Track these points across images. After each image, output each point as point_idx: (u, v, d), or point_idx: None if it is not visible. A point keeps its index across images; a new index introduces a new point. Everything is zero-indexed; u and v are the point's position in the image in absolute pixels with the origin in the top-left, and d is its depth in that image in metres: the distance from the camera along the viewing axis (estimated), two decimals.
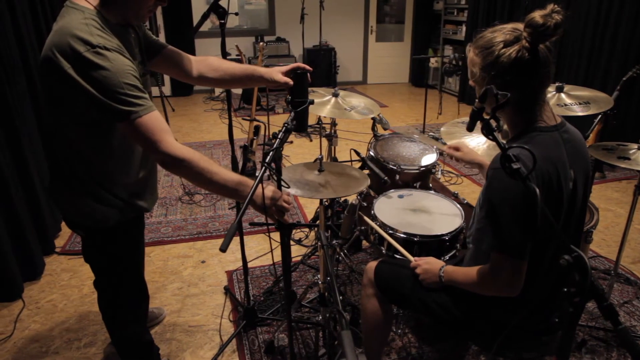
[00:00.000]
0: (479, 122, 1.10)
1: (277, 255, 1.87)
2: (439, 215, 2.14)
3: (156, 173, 1.76)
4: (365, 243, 3.02)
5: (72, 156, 1.48)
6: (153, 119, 1.35)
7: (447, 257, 2.00)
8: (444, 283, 1.54)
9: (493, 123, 1.06)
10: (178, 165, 1.36)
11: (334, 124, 2.81)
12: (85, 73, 1.27)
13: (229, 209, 3.70)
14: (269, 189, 1.35)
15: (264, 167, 1.27)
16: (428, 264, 1.62)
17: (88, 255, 1.69)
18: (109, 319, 1.84)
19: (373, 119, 2.68)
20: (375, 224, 2.08)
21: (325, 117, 2.52)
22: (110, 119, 1.33)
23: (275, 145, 1.31)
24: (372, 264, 1.78)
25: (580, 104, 2.21)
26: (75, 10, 1.34)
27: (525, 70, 1.28)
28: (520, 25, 1.29)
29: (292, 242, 3.13)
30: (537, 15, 1.21)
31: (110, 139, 1.46)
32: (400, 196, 2.32)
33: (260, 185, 1.22)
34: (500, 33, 1.31)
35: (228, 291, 2.65)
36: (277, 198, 1.37)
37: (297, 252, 3.05)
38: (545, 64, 1.29)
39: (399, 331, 2.29)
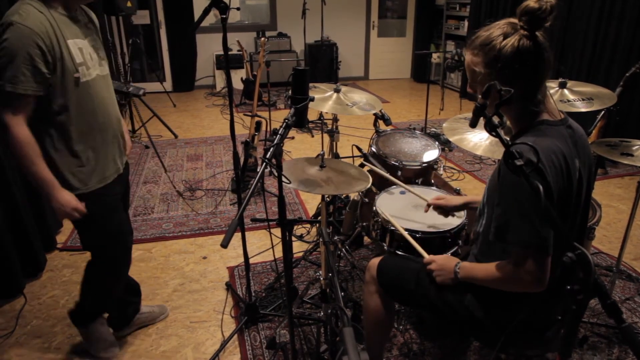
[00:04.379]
0: (481, 118, 1.09)
1: (279, 251, 1.87)
2: None
3: (114, 142, 1.89)
4: (367, 239, 3.02)
5: (40, 129, 1.67)
6: (16, 97, 1.55)
7: (448, 254, 1.99)
8: (459, 279, 1.51)
9: (496, 119, 1.05)
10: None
11: (335, 119, 2.81)
12: None
13: (230, 204, 3.70)
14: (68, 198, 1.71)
15: (264, 163, 1.27)
16: (443, 260, 1.60)
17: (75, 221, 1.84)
18: (91, 275, 2.06)
19: (375, 114, 2.67)
20: (385, 217, 2.07)
21: (327, 112, 2.51)
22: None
23: (275, 141, 1.30)
24: (375, 261, 1.77)
25: (583, 99, 2.20)
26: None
27: (530, 57, 1.29)
28: (513, 19, 1.32)
29: (293, 238, 3.12)
30: (531, 1, 1.25)
31: (51, 112, 1.65)
32: (402, 192, 2.31)
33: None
34: (495, 28, 1.34)
35: (229, 287, 2.65)
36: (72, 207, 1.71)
37: (298, 248, 3.04)
38: (546, 49, 1.31)
39: (401, 327, 2.29)
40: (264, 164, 1.27)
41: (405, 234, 1.91)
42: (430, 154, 2.59)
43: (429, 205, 1.93)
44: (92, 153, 1.79)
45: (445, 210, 1.91)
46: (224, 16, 1.93)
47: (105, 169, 1.86)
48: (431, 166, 2.56)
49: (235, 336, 2.28)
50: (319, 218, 3.14)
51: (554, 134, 1.32)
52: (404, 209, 2.16)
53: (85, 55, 1.70)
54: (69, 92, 1.65)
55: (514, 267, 1.32)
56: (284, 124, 1.37)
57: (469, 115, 1.12)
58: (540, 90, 1.35)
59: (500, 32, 1.32)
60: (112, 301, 2.17)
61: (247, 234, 2.40)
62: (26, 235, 2.66)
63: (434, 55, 8.10)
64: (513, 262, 1.32)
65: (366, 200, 2.51)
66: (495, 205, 1.37)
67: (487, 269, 1.42)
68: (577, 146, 1.36)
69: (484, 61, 1.35)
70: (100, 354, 2.16)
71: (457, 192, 2.55)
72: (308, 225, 3.32)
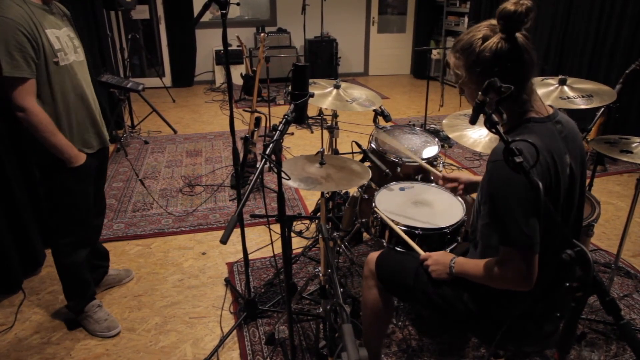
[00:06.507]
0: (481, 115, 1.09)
1: (278, 247, 1.87)
2: (440, 208, 2.14)
3: (90, 119, 2.09)
4: (366, 235, 3.02)
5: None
6: (20, 81, 1.75)
7: (447, 250, 2.00)
8: (454, 274, 1.53)
9: (496, 116, 1.05)
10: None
11: (335, 115, 2.80)
12: None
13: (230, 200, 3.70)
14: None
15: (264, 159, 1.26)
16: (439, 255, 1.62)
17: (44, 190, 2.07)
18: (54, 246, 2.19)
19: (375, 110, 2.67)
20: (384, 215, 2.07)
21: (326, 108, 2.51)
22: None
23: (275, 137, 1.30)
24: (374, 255, 1.77)
25: (583, 96, 2.20)
26: None
27: (509, 60, 1.30)
28: (493, 20, 1.33)
29: (292, 234, 3.13)
30: (507, 4, 1.26)
31: (41, 89, 1.85)
32: (402, 189, 2.31)
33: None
34: (476, 31, 1.35)
35: (229, 283, 2.66)
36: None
37: (297, 244, 3.05)
38: (526, 50, 1.31)
39: (399, 323, 2.30)
40: (264, 160, 1.27)
41: (400, 231, 1.91)
42: (430, 151, 2.59)
43: (443, 179, 1.93)
44: (70, 128, 1.99)
45: (464, 185, 1.87)
46: (224, 11, 1.92)
47: (81, 144, 2.07)
48: (431, 163, 2.55)
49: (234, 332, 2.29)
50: (319, 214, 3.14)
51: (540, 131, 1.32)
52: (404, 206, 2.16)
53: (62, 43, 1.92)
54: (51, 75, 1.87)
55: (501, 264, 1.33)
56: (284, 120, 1.37)
57: (469, 111, 1.12)
58: (524, 90, 1.35)
59: (480, 35, 1.33)
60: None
61: (246, 229, 2.40)
62: (25, 231, 2.66)
63: (434, 52, 8.08)
64: (500, 260, 1.33)
65: (365, 196, 2.51)
66: (482, 203, 1.38)
67: (477, 265, 1.43)
68: (566, 140, 1.36)
69: (465, 65, 1.37)
70: (98, 334, 2.29)
71: None
72: (307, 222, 3.32)
